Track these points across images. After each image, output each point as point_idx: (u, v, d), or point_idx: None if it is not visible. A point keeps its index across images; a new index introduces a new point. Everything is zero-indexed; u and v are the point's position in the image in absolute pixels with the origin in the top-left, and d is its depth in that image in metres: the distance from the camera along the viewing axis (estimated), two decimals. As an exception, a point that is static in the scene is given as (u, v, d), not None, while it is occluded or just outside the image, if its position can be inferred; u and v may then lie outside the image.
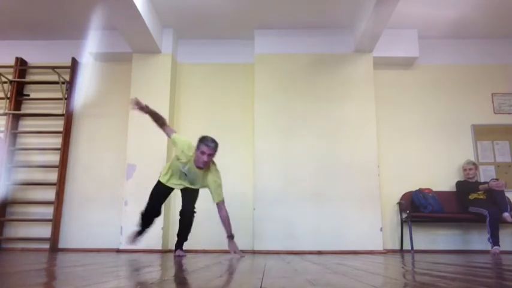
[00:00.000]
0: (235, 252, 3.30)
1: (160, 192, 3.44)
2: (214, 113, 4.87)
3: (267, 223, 4.35)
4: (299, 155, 4.51)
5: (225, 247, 4.42)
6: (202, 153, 3.15)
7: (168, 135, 3.37)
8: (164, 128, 3.37)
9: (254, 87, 4.71)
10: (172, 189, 3.42)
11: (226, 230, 3.31)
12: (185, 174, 3.28)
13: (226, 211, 3.29)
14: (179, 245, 3.44)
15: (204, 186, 3.35)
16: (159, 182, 3.43)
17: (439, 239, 4.55)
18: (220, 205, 3.28)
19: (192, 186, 3.36)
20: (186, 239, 3.49)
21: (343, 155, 4.50)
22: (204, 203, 4.66)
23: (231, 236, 3.31)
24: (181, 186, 3.36)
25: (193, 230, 4.71)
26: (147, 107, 3.24)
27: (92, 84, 4.92)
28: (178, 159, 3.26)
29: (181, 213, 3.44)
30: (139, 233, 3.54)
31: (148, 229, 3.55)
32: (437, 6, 4.42)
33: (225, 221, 3.29)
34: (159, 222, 4.36)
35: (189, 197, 3.41)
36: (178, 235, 3.48)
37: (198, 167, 3.22)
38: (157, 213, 3.49)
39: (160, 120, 3.34)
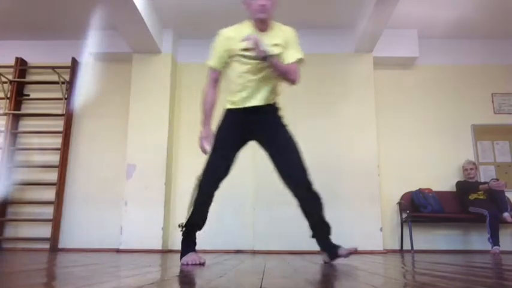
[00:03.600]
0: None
1: (231, 140, 2.33)
2: (214, 113, 4.86)
3: (267, 223, 4.35)
4: (299, 155, 4.50)
5: (225, 247, 4.43)
6: None
7: (216, 77, 2.35)
8: (213, 90, 2.41)
9: (254, 87, 4.70)
10: (250, 128, 2.32)
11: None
12: (255, 67, 2.21)
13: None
14: (327, 242, 2.24)
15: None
16: (227, 116, 2.36)
17: (439, 239, 4.55)
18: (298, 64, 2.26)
19: (269, 93, 2.27)
20: (328, 230, 2.27)
21: (343, 155, 4.50)
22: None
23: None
24: (258, 101, 2.27)
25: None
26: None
27: (92, 84, 4.92)
28: (234, 56, 2.23)
29: (295, 190, 2.27)
30: (194, 228, 2.29)
31: (205, 218, 2.36)
32: (437, 6, 4.42)
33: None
34: (158, 221, 4.38)
35: (287, 155, 2.27)
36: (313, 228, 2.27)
37: (260, 23, 2.25)
38: (223, 179, 2.36)
39: (210, 103, 2.44)
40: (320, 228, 2.27)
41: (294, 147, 2.27)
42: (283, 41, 2.25)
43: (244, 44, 2.14)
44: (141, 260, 2.54)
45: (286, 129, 2.33)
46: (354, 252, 2.15)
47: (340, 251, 2.17)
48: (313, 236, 2.30)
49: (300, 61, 2.27)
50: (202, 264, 2.06)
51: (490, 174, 4.70)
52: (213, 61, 2.30)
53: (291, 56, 2.23)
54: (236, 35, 2.24)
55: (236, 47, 2.21)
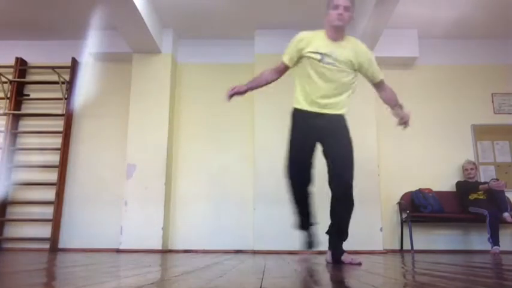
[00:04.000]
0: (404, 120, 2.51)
1: (302, 140, 2.46)
2: (214, 113, 4.87)
3: (267, 223, 4.35)
4: (299, 155, 4.50)
5: (225, 247, 4.44)
6: (336, 7, 2.37)
7: (282, 69, 2.57)
8: (273, 76, 2.61)
9: (254, 87, 4.70)
10: (316, 130, 2.44)
11: (393, 102, 2.56)
12: (323, 74, 2.39)
13: (389, 88, 2.62)
14: (336, 243, 2.41)
15: (345, 83, 2.44)
16: (295, 116, 2.50)
17: (439, 239, 4.55)
18: (382, 84, 2.57)
19: (335, 100, 2.42)
20: (344, 234, 2.42)
21: (343, 155, 4.49)
22: (202, 203, 4.68)
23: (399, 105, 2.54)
24: (323, 108, 2.42)
25: (194, 230, 4.74)
26: (246, 88, 2.54)
27: (92, 84, 4.92)
28: (307, 56, 2.41)
29: (335, 188, 2.39)
30: (303, 225, 2.57)
31: (308, 214, 2.58)
32: (437, 6, 4.42)
33: (392, 96, 2.59)
34: (158, 221, 4.38)
35: (338, 156, 2.41)
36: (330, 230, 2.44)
37: (335, 31, 2.42)
38: (308, 180, 2.52)
39: (265, 81, 2.61)
40: (338, 231, 2.41)
41: (347, 151, 2.43)
42: (355, 55, 2.44)
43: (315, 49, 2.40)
44: (141, 260, 2.54)
45: (347, 134, 2.48)
46: (356, 264, 2.21)
47: (344, 257, 2.31)
48: (328, 233, 2.44)
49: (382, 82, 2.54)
50: (307, 261, 2.44)
51: (490, 174, 4.70)
52: (285, 57, 2.51)
53: (377, 74, 2.54)
54: (309, 37, 2.45)
55: (307, 48, 2.42)
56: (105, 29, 4.76)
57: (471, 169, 4.44)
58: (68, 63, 4.90)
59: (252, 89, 2.62)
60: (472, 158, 4.69)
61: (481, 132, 4.82)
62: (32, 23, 4.77)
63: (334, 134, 2.45)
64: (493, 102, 4.92)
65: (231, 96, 2.57)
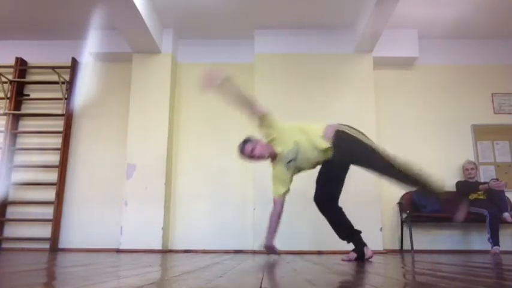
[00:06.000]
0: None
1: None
2: (214, 113, 4.87)
3: (267, 223, 4.34)
4: (299, 155, 4.50)
5: (225, 247, 4.44)
6: (247, 159, 3.21)
7: (260, 114, 2.98)
8: (252, 109, 2.94)
9: (254, 87, 4.70)
10: None
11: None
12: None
13: (274, 208, 3.25)
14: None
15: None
16: None
17: (439, 239, 4.55)
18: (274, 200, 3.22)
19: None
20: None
21: (343, 155, 4.49)
22: (202, 203, 4.68)
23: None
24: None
25: (194, 230, 4.74)
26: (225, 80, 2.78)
27: (92, 84, 4.92)
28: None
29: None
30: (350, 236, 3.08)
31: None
32: (437, 6, 4.42)
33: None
34: (158, 222, 4.38)
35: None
36: None
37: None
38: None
39: (244, 103, 2.90)
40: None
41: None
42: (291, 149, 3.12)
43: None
44: (141, 260, 2.53)
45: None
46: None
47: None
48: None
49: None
50: (353, 260, 2.86)
51: (490, 174, 4.70)
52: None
53: None
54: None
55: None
56: (105, 29, 4.76)
57: (471, 169, 4.44)
58: (68, 63, 4.90)
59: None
60: (472, 158, 4.69)
61: (481, 132, 4.82)
62: (32, 23, 4.77)
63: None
64: (493, 102, 4.92)
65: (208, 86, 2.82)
